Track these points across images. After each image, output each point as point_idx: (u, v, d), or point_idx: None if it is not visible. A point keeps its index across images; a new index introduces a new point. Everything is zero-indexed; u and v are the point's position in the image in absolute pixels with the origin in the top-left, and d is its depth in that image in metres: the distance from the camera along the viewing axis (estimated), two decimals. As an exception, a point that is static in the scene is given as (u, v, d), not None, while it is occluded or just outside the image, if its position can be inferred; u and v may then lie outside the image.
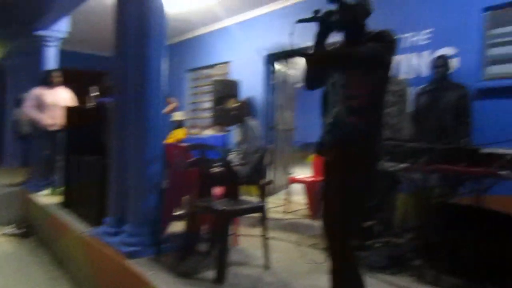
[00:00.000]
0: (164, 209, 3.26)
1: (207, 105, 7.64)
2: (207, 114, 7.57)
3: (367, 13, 1.97)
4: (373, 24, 1.99)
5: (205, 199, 3.01)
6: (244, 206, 2.87)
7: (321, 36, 1.97)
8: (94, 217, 3.68)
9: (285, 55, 6.10)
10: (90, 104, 5.00)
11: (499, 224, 2.83)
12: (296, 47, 2.05)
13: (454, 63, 3.79)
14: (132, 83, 3.17)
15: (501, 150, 2.39)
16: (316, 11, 1.95)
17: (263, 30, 6.30)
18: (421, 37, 4.15)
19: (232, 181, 3.21)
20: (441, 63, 3.62)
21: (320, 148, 2.07)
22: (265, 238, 2.90)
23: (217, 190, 3.33)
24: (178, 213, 3.65)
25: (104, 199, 3.45)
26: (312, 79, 2.11)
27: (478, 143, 2.91)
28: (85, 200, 4.09)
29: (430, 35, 4.09)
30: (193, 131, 8.21)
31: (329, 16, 1.93)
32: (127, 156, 3.21)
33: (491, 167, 2.37)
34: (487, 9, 3.72)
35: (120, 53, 3.34)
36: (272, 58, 6.29)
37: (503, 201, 3.18)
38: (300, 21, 1.94)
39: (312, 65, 2.02)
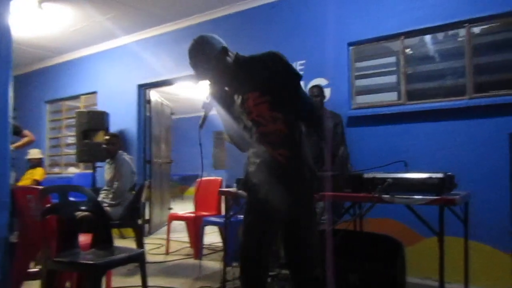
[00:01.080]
0: (15, 268, 2.64)
1: (71, 140, 6.82)
2: (71, 150, 6.73)
3: (225, 49, 1.84)
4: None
5: (68, 252, 2.47)
6: (119, 257, 2.42)
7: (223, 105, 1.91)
8: None
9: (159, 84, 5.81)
10: None
11: (380, 245, 2.93)
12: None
13: (328, 93, 3.96)
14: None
15: (380, 175, 2.46)
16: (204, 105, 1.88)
17: (134, 58, 5.92)
18: (296, 68, 4.28)
19: (102, 225, 2.73)
20: (316, 92, 3.73)
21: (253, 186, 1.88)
22: (145, 290, 2.49)
23: (85, 238, 2.80)
24: (34, 270, 3.00)
25: None
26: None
27: (357, 169, 2.99)
28: None
29: (304, 67, 4.25)
30: (54, 170, 7.23)
31: (213, 93, 1.88)
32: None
33: (372, 192, 2.40)
34: (351, 44, 4.01)
35: None
36: (145, 87, 5.92)
37: (378, 223, 3.36)
38: (201, 124, 1.87)
39: None
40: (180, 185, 12.69)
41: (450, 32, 3.64)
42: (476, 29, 3.48)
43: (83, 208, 2.66)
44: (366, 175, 2.48)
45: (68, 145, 6.99)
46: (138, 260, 2.50)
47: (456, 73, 3.52)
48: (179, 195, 12.17)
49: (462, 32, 3.54)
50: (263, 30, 4.59)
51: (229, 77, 1.86)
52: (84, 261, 2.27)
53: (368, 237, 3.07)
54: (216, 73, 1.83)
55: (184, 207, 9.12)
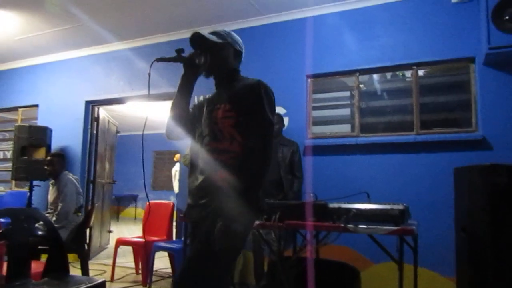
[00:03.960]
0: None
1: (6, 155, 6.31)
2: (5, 166, 6.21)
3: (238, 54, 1.80)
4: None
5: (19, 282, 2.27)
6: (81, 287, 2.27)
7: (186, 80, 1.75)
8: None
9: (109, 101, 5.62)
10: None
11: (337, 272, 3.04)
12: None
13: (286, 121, 4.09)
14: None
15: (344, 205, 2.57)
16: (179, 50, 1.70)
17: (82, 73, 5.68)
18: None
19: (57, 250, 2.55)
20: (276, 120, 3.83)
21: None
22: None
23: (35, 266, 2.59)
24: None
25: None
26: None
27: (316, 197, 3.10)
28: None
29: (262, 95, 4.35)
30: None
31: (195, 58, 1.71)
32: None
33: (337, 221, 2.49)
34: (309, 76, 4.20)
35: None
36: (94, 104, 5.68)
37: (330, 249, 3.48)
38: (161, 59, 1.67)
39: None
40: (115, 205, 12.12)
41: (399, 72, 3.96)
42: (420, 72, 3.83)
43: (38, 233, 2.47)
44: (331, 205, 2.58)
45: (2, 160, 6.44)
46: (99, 289, 2.36)
47: (404, 110, 3.82)
48: (113, 216, 11.61)
49: (408, 73, 3.87)
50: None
51: (220, 81, 1.78)
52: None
53: (326, 264, 3.16)
54: (214, 62, 1.72)
55: (121, 229, 8.74)
